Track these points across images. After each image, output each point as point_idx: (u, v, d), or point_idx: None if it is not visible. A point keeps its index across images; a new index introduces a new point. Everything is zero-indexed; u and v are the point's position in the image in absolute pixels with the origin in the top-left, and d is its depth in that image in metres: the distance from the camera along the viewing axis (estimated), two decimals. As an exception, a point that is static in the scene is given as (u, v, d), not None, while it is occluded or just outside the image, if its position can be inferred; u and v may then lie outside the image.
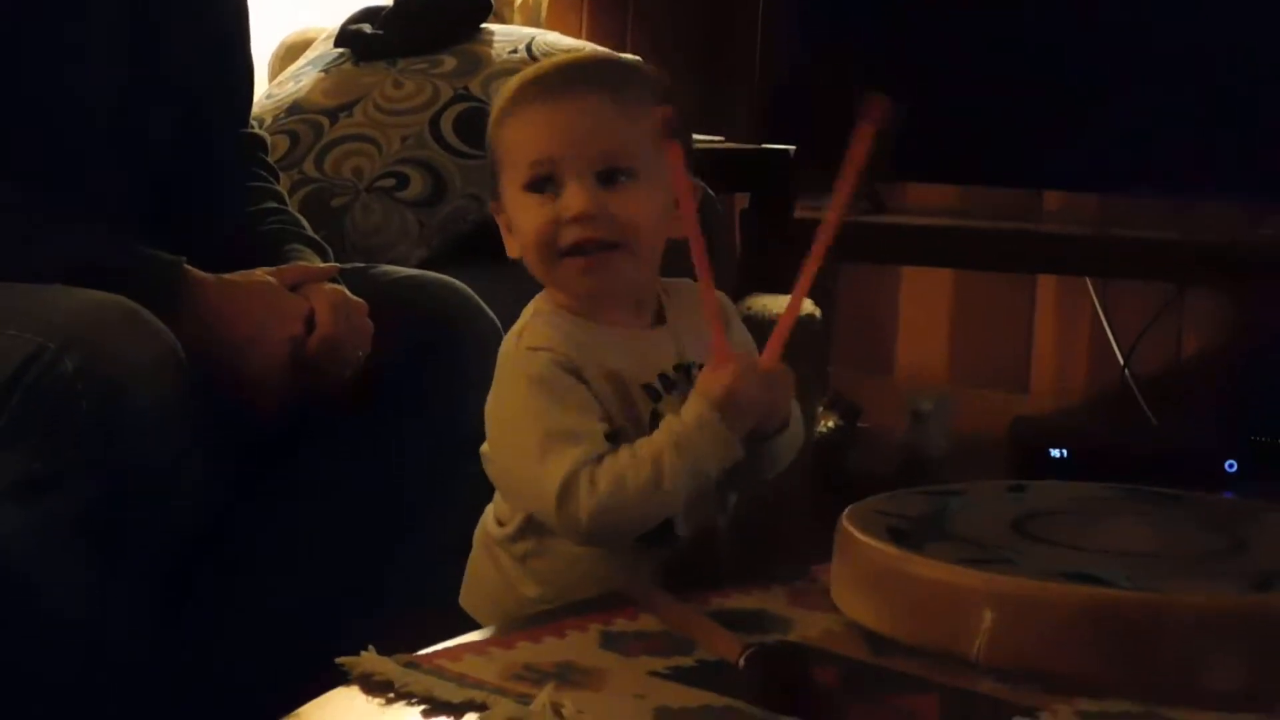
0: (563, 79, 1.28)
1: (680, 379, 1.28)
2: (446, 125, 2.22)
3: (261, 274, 1.56)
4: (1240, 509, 1.30)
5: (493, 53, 2.33)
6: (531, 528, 1.28)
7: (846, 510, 1.20)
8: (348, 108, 2.27)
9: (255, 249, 1.65)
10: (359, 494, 1.60)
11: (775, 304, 2.25)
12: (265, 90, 2.41)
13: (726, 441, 1.21)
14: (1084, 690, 1.01)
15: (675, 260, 1.34)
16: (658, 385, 1.27)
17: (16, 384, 1.32)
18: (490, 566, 1.32)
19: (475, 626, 1.23)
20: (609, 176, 1.25)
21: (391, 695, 1.01)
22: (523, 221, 1.27)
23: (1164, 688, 1.01)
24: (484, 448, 1.29)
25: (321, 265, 1.65)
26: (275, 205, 1.77)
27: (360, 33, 2.38)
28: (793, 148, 2.65)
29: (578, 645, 1.10)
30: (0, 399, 1.32)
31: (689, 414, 1.21)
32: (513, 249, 1.31)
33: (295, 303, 1.55)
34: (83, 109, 1.57)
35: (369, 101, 2.27)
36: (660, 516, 1.23)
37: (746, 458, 1.27)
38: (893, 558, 1.11)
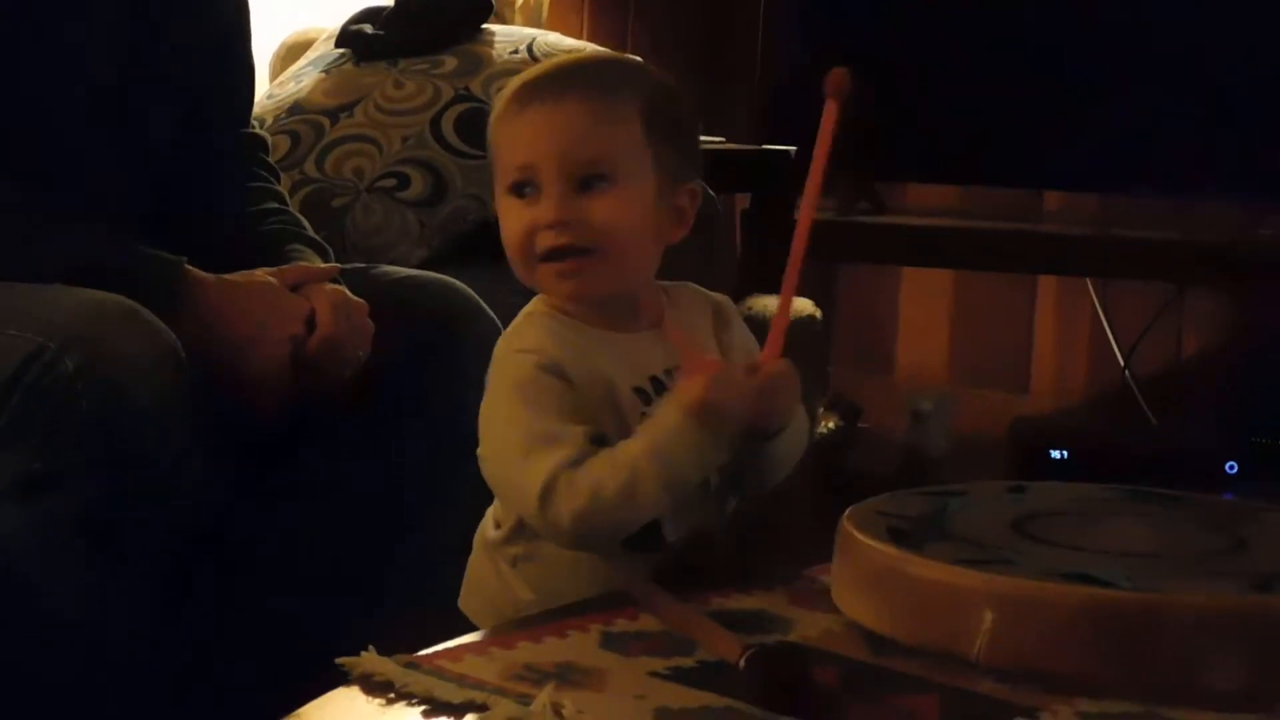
0: (548, 83, 1.28)
1: (672, 383, 1.27)
2: (447, 125, 2.22)
3: (262, 274, 1.56)
4: (1240, 509, 1.30)
5: (494, 53, 2.33)
6: (523, 531, 1.28)
7: (846, 510, 1.20)
8: (348, 108, 2.27)
9: (256, 249, 1.65)
10: (359, 494, 1.60)
11: (775, 304, 2.25)
12: (266, 90, 2.41)
13: (703, 448, 1.20)
14: (1084, 690, 1.01)
15: (675, 260, 1.34)
16: (648, 388, 1.26)
17: (16, 383, 1.32)
18: (488, 570, 1.31)
19: (475, 629, 1.23)
20: (586, 182, 1.25)
21: (392, 695, 1.01)
22: (505, 224, 1.28)
23: (1164, 688, 1.01)
24: (480, 450, 1.29)
25: (322, 265, 1.65)
26: (276, 205, 1.77)
27: (361, 33, 2.38)
28: (793, 148, 2.65)
29: (578, 645, 1.10)
30: (0, 398, 1.32)
31: (664, 420, 1.21)
32: None
33: (296, 303, 1.55)
34: (83, 109, 1.57)
35: (370, 102, 2.27)
36: (639, 521, 1.22)
37: (749, 460, 1.27)
38: (893, 558, 1.11)
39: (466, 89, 2.26)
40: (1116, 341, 3.01)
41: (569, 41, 2.48)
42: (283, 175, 1.90)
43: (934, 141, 2.52)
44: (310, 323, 1.54)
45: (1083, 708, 1.00)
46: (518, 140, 1.27)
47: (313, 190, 2.18)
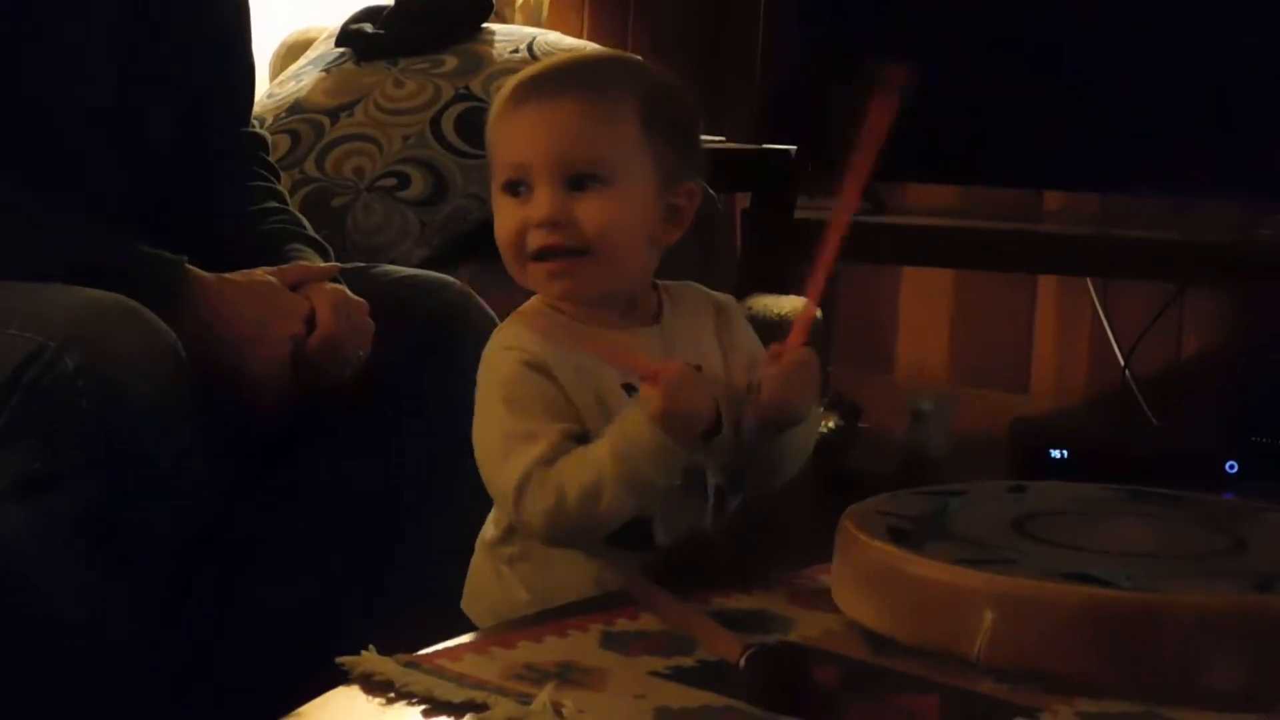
0: (542, 82, 1.28)
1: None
2: (448, 125, 2.23)
3: (262, 273, 1.56)
4: (1240, 509, 1.30)
5: (494, 52, 2.33)
6: (517, 530, 1.28)
7: (846, 510, 1.20)
8: (349, 107, 2.27)
9: (256, 248, 1.65)
10: (359, 494, 1.60)
11: (776, 304, 2.25)
12: (266, 89, 2.41)
13: (666, 451, 1.19)
14: (1084, 690, 1.01)
15: (675, 260, 1.34)
16: (638, 385, 1.25)
17: (17, 383, 1.32)
18: (488, 571, 1.31)
19: (476, 630, 1.23)
20: (578, 182, 1.25)
21: (392, 695, 1.01)
22: (498, 223, 1.28)
23: (1164, 688, 1.01)
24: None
25: (322, 265, 1.65)
26: (276, 205, 1.77)
27: (361, 32, 2.38)
28: (793, 148, 2.65)
29: (578, 645, 1.10)
30: (0, 398, 1.32)
31: (627, 423, 1.20)
32: None
33: (296, 302, 1.55)
34: (83, 109, 1.57)
35: (370, 101, 2.27)
36: (607, 521, 1.21)
37: (761, 453, 1.26)
38: (893, 557, 1.11)
39: (467, 88, 2.26)
40: (1117, 341, 3.01)
41: (569, 41, 2.48)
42: (283, 174, 1.90)
43: (934, 141, 2.52)
44: (310, 322, 1.54)
45: (1083, 708, 1.00)
46: (511, 139, 1.27)
47: (313, 189, 2.18)
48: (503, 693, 0.99)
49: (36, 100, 1.54)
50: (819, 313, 2.30)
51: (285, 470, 1.60)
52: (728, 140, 2.74)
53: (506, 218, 1.27)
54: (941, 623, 1.07)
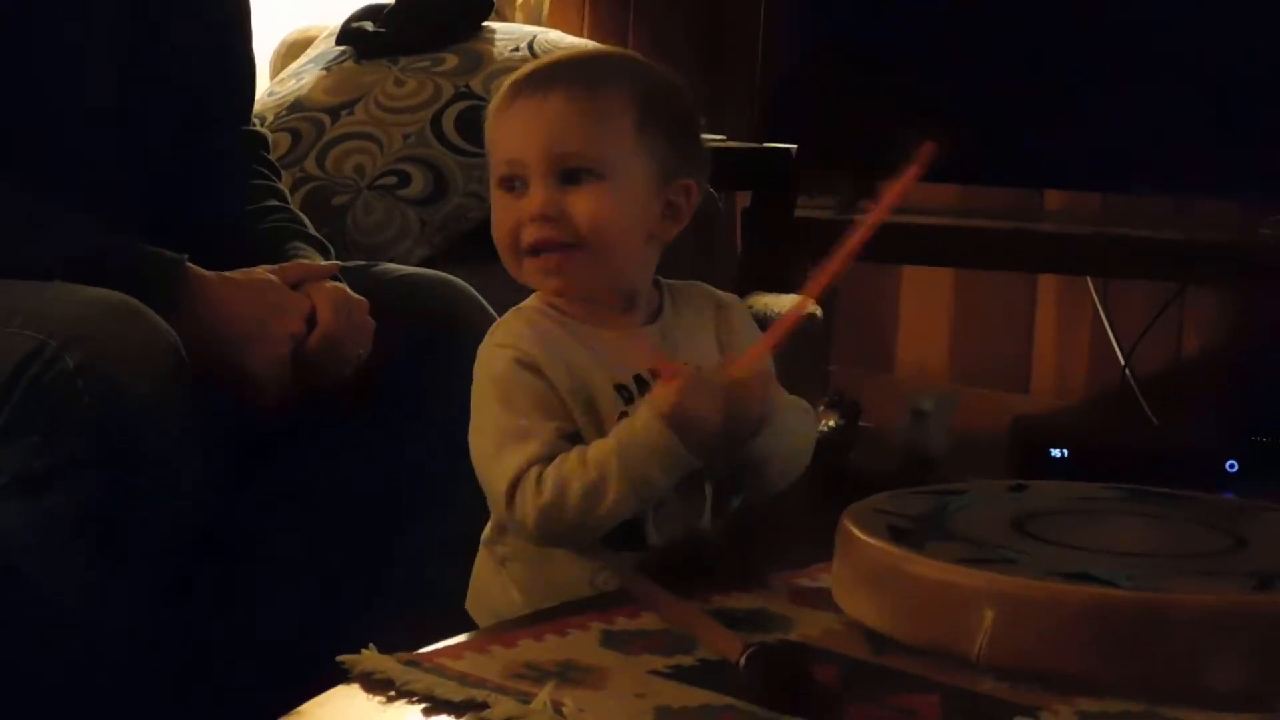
0: (537, 78, 1.28)
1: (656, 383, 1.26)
2: (448, 123, 2.23)
3: (263, 272, 1.56)
4: (1241, 508, 1.30)
5: (494, 51, 2.33)
6: (508, 530, 1.27)
7: (846, 510, 1.20)
8: (349, 105, 2.27)
9: (256, 247, 1.65)
10: (359, 493, 1.60)
11: (776, 303, 2.25)
12: (267, 88, 2.41)
13: (673, 453, 1.19)
14: (1084, 690, 1.01)
15: (675, 259, 1.34)
16: (631, 386, 1.25)
17: (17, 381, 1.32)
18: (488, 572, 1.31)
19: (478, 629, 1.23)
20: (572, 177, 1.25)
21: (392, 694, 1.01)
22: (494, 218, 1.28)
23: (1164, 687, 1.01)
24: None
25: (323, 263, 1.65)
26: (277, 203, 1.77)
27: (362, 30, 2.38)
28: (794, 147, 2.65)
29: (579, 644, 1.10)
30: (1, 396, 1.32)
31: (637, 423, 1.20)
32: None
33: (296, 300, 1.55)
34: (83, 109, 1.57)
35: (370, 99, 2.27)
36: (607, 521, 1.21)
37: (745, 462, 1.26)
38: (893, 557, 1.11)
39: (467, 87, 2.26)
40: (1117, 340, 3.01)
41: (570, 39, 2.48)
42: (283, 173, 1.90)
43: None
44: (311, 320, 1.54)
45: (1083, 707, 1.00)
46: (506, 135, 1.27)
47: (313, 188, 2.18)
48: (503, 691, 0.99)
49: (37, 100, 1.54)
50: (819, 311, 2.31)
51: (285, 469, 1.60)
52: (728, 139, 2.73)
53: (502, 213, 1.27)
54: (942, 622, 1.07)
